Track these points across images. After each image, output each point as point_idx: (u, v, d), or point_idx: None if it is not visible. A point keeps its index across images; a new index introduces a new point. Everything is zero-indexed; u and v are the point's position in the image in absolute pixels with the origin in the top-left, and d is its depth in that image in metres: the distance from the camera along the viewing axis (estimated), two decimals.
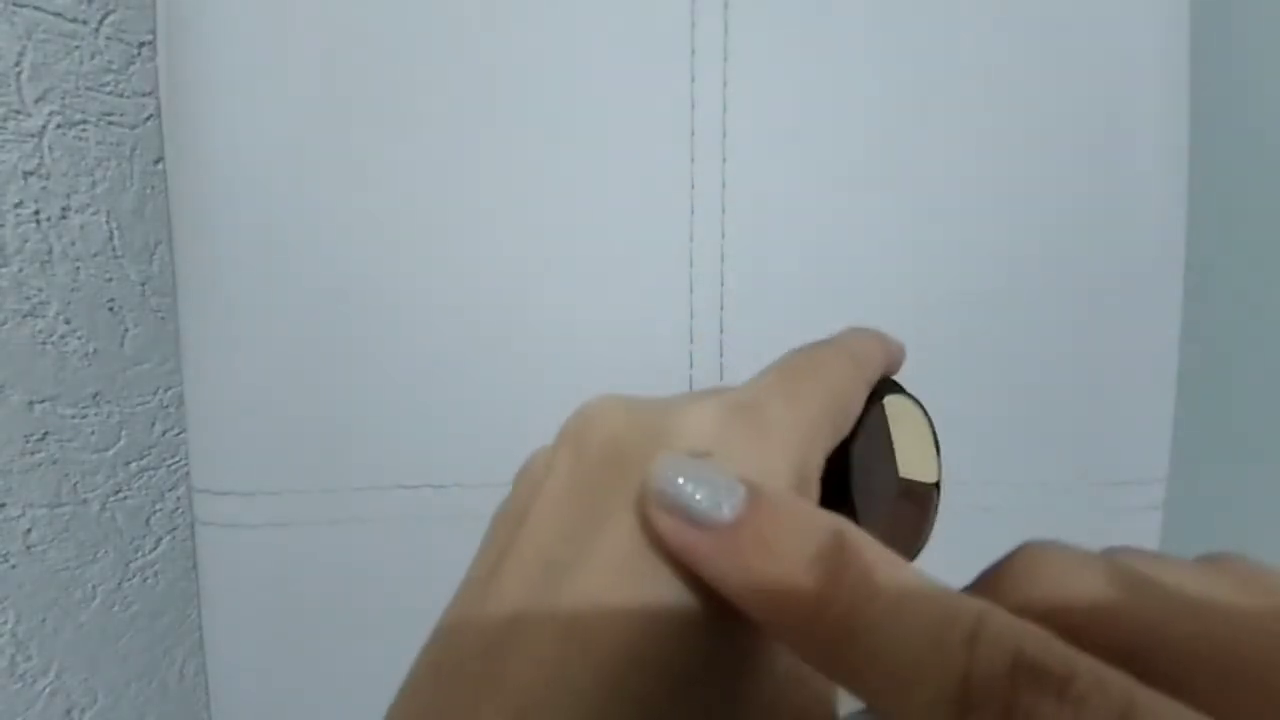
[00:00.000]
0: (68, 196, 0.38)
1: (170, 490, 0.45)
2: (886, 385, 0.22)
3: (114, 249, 0.41)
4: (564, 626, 0.14)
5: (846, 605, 0.12)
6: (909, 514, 0.21)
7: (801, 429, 0.16)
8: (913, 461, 0.21)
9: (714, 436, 0.15)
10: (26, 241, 0.37)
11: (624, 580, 0.14)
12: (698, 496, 0.13)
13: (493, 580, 0.15)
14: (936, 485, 0.22)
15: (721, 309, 0.40)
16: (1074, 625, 0.11)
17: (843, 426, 0.18)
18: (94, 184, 0.39)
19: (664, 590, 0.14)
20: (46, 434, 0.39)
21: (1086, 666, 0.10)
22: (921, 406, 0.22)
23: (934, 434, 0.22)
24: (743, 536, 0.13)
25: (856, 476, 0.20)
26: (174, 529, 0.46)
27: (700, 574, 0.13)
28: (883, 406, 0.21)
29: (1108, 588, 0.12)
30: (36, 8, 0.36)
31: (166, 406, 0.44)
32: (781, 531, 0.13)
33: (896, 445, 0.21)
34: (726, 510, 0.13)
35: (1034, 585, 0.13)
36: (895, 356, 0.22)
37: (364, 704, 0.39)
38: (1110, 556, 0.15)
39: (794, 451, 0.16)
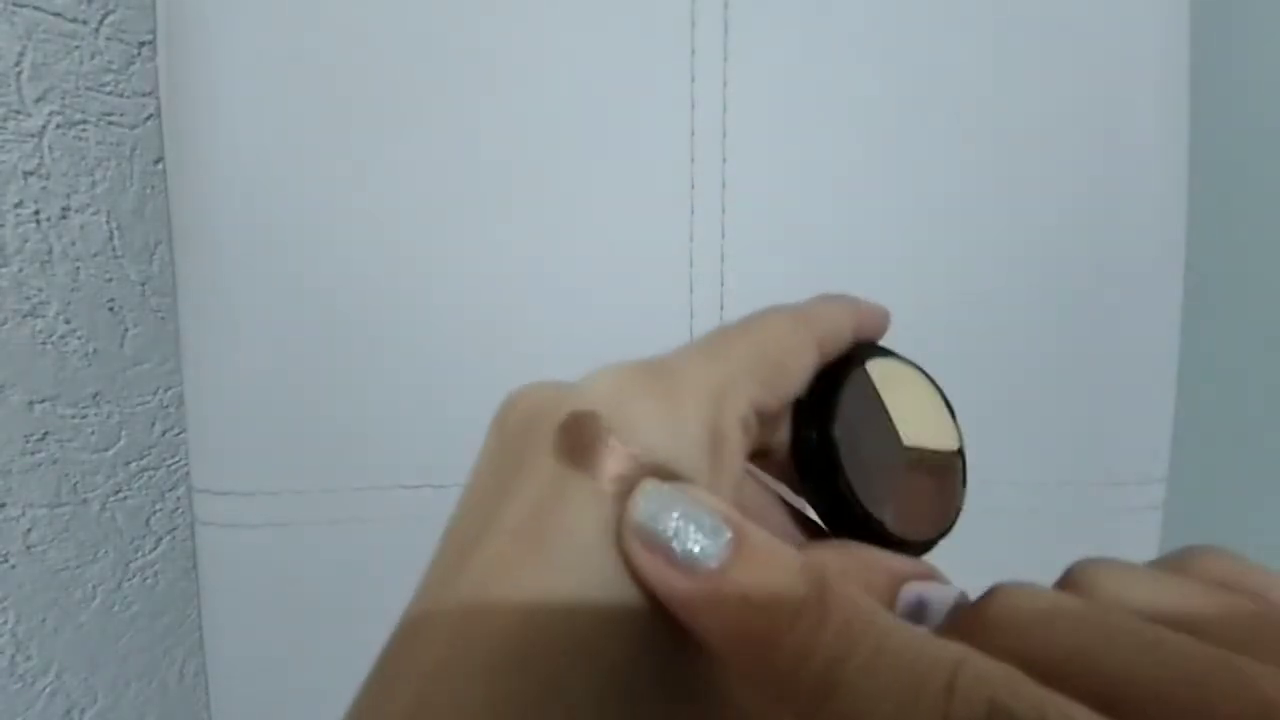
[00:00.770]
0: (68, 196, 0.38)
1: (170, 490, 0.45)
2: (870, 350, 0.20)
3: (114, 249, 0.41)
4: (463, 601, 0.14)
5: (827, 658, 0.12)
6: (926, 486, 0.19)
7: (714, 384, 0.16)
8: (918, 429, 0.19)
9: (616, 397, 0.15)
10: (26, 241, 0.37)
11: (523, 548, 0.14)
12: (682, 537, 0.13)
13: (424, 575, 0.15)
14: (958, 453, 0.20)
15: (721, 309, 0.40)
16: (1048, 670, 0.12)
17: (776, 381, 0.17)
18: (94, 184, 0.39)
19: (567, 557, 0.13)
20: (46, 434, 0.39)
21: (1055, 710, 0.10)
22: (922, 371, 0.21)
23: (943, 398, 0.21)
24: (725, 584, 0.12)
25: (845, 450, 0.18)
26: (174, 529, 0.46)
27: (677, 616, 0.13)
28: (865, 371, 0.19)
29: (1077, 634, 0.12)
30: (36, 8, 0.36)
31: (166, 406, 0.44)
32: (766, 580, 0.12)
33: (894, 413, 0.19)
34: (711, 556, 0.12)
35: (1005, 634, 0.13)
36: (871, 320, 0.21)
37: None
38: (1083, 580, 0.15)
39: (705, 408, 0.15)
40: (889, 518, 0.18)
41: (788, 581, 0.12)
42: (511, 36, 0.38)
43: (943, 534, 0.20)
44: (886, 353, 0.20)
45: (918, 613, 0.17)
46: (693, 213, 0.39)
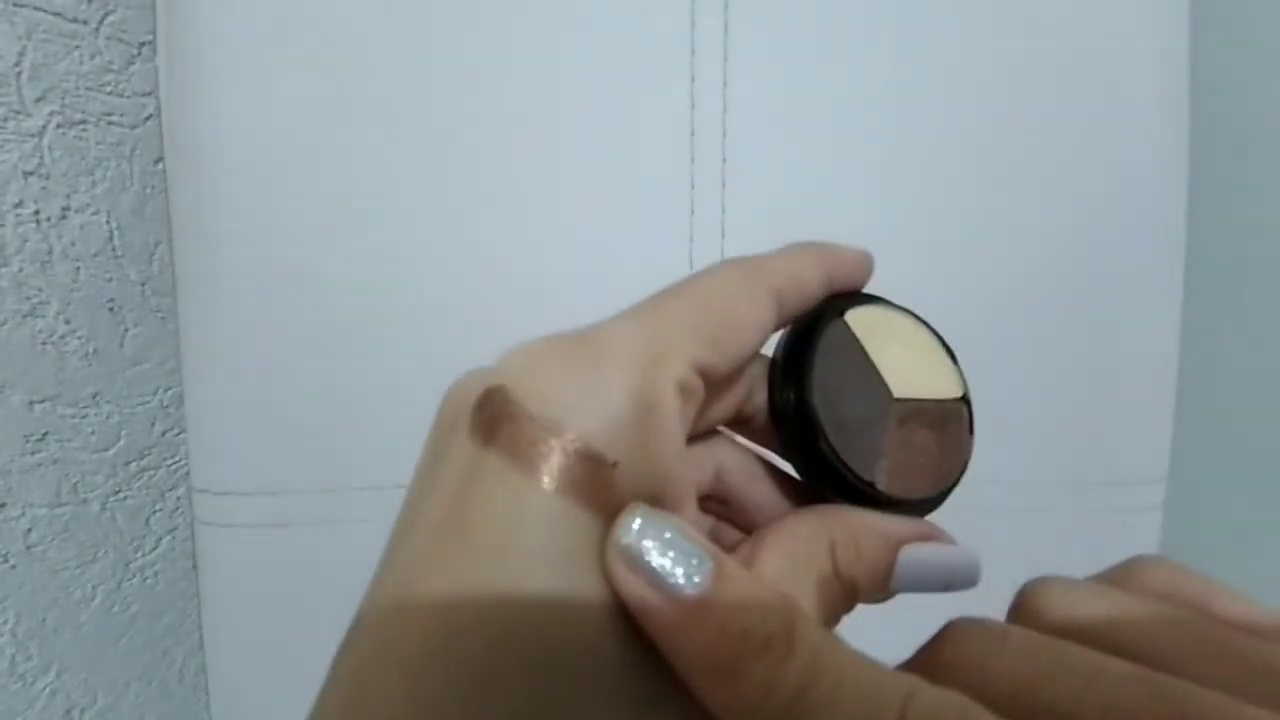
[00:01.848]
0: (68, 196, 0.38)
1: (170, 490, 0.45)
2: (849, 299, 0.18)
3: (114, 249, 0.41)
4: (393, 596, 0.14)
5: (793, 688, 0.12)
6: (925, 440, 0.18)
7: (643, 347, 0.15)
8: (910, 378, 0.18)
9: (529, 370, 0.15)
10: (26, 241, 0.37)
11: (443, 539, 0.13)
12: (664, 561, 0.13)
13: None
14: (962, 399, 0.19)
15: None
16: (1001, 702, 0.12)
17: (723, 339, 0.16)
18: (94, 184, 0.39)
19: (487, 544, 0.13)
20: (46, 434, 0.39)
21: None
22: (916, 316, 0.19)
23: (941, 342, 0.19)
24: (703, 612, 0.12)
25: (824, 410, 0.17)
26: (174, 529, 0.46)
27: (654, 639, 0.13)
28: (844, 323, 0.18)
29: (1025, 666, 0.13)
30: (36, 8, 0.36)
31: (166, 406, 0.44)
32: (740, 611, 0.12)
33: (880, 364, 0.18)
34: (691, 583, 0.13)
35: (961, 670, 0.13)
36: (848, 266, 0.19)
37: None
38: (1033, 601, 0.15)
39: (631, 374, 0.14)
40: (881, 478, 0.17)
41: (760, 614, 0.13)
42: (511, 36, 0.38)
43: (948, 489, 0.18)
44: (870, 300, 0.19)
45: (918, 578, 0.16)
46: (693, 213, 0.39)
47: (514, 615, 0.13)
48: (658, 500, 0.14)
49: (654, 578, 0.13)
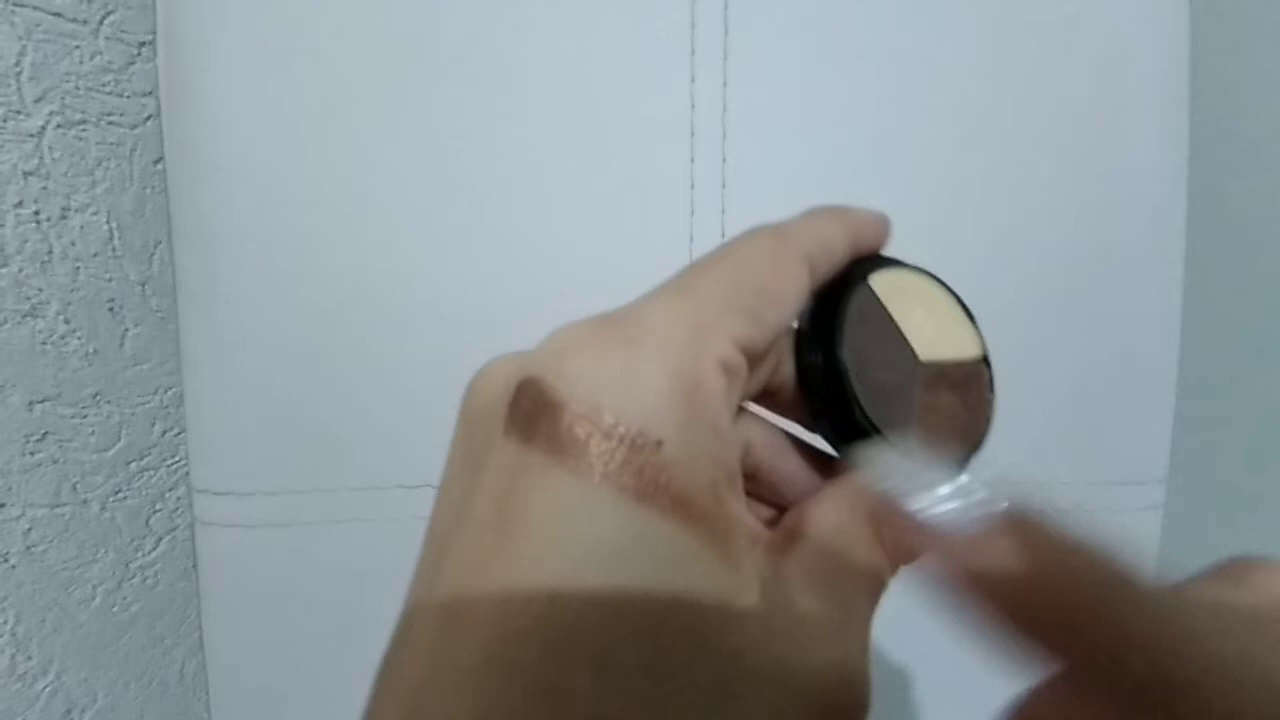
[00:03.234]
0: (68, 196, 0.38)
1: (170, 490, 0.45)
2: (872, 263, 0.18)
3: (114, 249, 0.41)
4: (442, 607, 0.13)
5: (1173, 637, 0.11)
6: (951, 401, 0.18)
7: (685, 325, 0.14)
8: (935, 341, 0.18)
9: (563, 359, 0.14)
10: (26, 241, 0.37)
11: (492, 541, 0.13)
12: (953, 506, 0.12)
13: (411, 581, 0.15)
14: (983, 359, 0.19)
15: None
16: None
17: (766, 313, 0.15)
18: (94, 184, 0.39)
19: (539, 543, 0.12)
20: (46, 434, 0.39)
21: None
22: (934, 278, 0.19)
23: (960, 303, 0.19)
24: (1001, 547, 0.12)
25: (855, 376, 0.16)
26: (174, 529, 0.46)
27: (948, 590, 0.12)
28: (868, 287, 0.17)
29: None
30: (36, 8, 0.36)
31: (166, 406, 0.44)
32: (1053, 549, 0.12)
33: (905, 328, 0.17)
34: (981, 521, 0.12)
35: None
36: (869, 230, 0.18)
37: (364, 704, 0.39)
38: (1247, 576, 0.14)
39: (676, 357, 0.14)
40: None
41: (1063, 543, 0.12)
42: (511, 36, 0.38)
43: (976, 448, 0.18)
44: (891, 263, 0.18)
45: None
46: (693, 213, 0.39)
47: (573, 616, 0.12)
48: (710, 485, 0.13)
49: (944, 523, 0.12)
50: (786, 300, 0.16)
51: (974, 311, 0.19)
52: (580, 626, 0.12)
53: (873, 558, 0.15)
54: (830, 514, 0.15)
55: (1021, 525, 0.13)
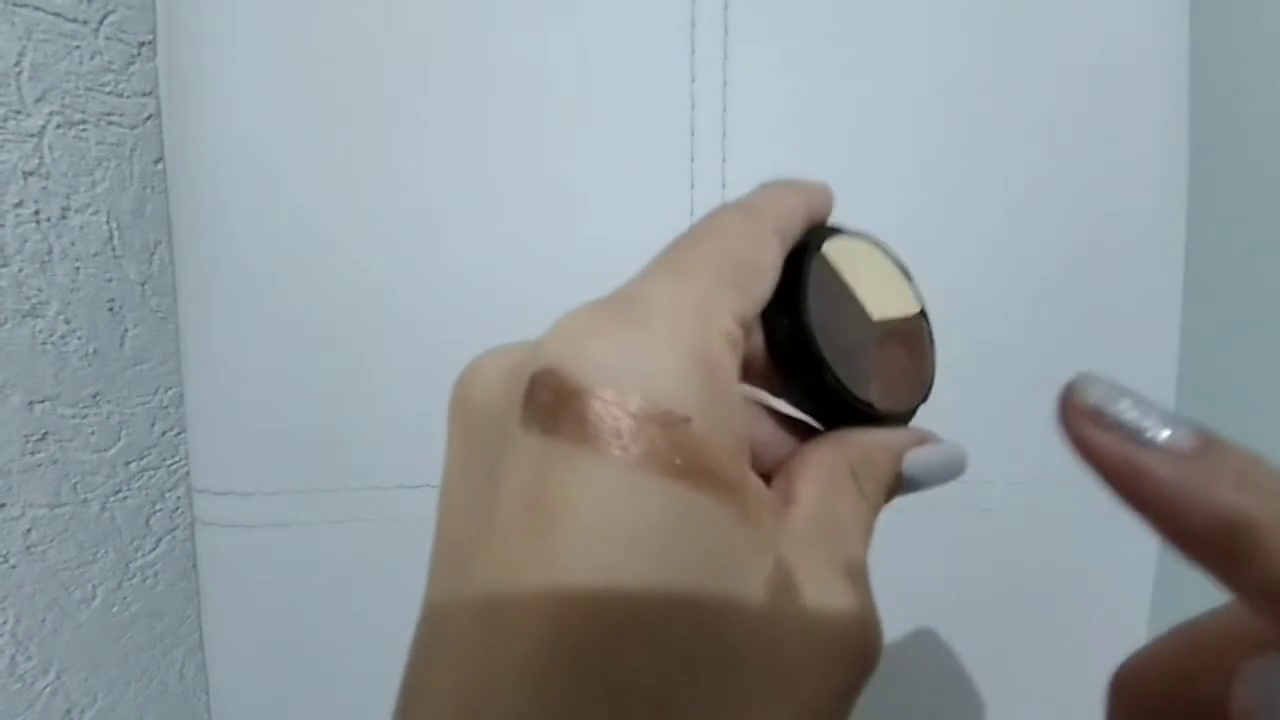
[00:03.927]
0: (68, 196, 0.38)
1: (170, 490, 0.45)
2: (822, 233, 0.19)
3: (114, 249, 0.41)
4: (482, 607, 0.13)
5: None
6: (900, 356, 0.19)
7: (694, 305, 0.14)
8: (883, 301, 0.19)
9: (577, 346, 0.13)
10: (26, 241, 0.37)
11: (526, 543, 0.13)
12: (1144, 423, 0.12)
13: (426, 592, 0.15)
14: (921, 314, 0.21)
15: None
16: None
17: (751, 286, 0.16)
18: (94, 184, 0.39)
19: (578, 539, 0.12)
20: (46, 434, 0.39)
21: None
22: (873, 240, 0.20)
23: (897, 263, 0.21)
24: (1204, 466, 0.12)
25: (824, 344, 0.17)
26: (174, 529, 0.46)
27: (1138, 497, 0.12)
28: (823, 256, 0.19)
29: None
30: (36, 8, 0.36)
31: (166, 406, 0.44)
32: (1243, 463, 0.12)
33: (857, 291, 0.19)
34: (1185, 439, 0.12)
35: None
36: (819, 200, 0.19)
37: (364, 704, 0.39)
38: None
39: (687, 334, 0.14)
40: (875, 397, 0.18)
41: (1251, 461, 0.12)
42: (512, 36, 0.38)
43: (924, 397, 0.20)
44: (836, 231, 0.20)
45: (924, 477, 0.18)
46: (693, 213, 0.39)
47: (628, 600, 0.12)
48: (732, 454, 0.14)
49: (1138, 435, 0.12)
50: (766, 273, 0.17)
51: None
52: (635, 610, 0.12)
53: (857, 505, 0.16)
54: (814, 471, 0.17)
55: (1223, 449, 0.13)
